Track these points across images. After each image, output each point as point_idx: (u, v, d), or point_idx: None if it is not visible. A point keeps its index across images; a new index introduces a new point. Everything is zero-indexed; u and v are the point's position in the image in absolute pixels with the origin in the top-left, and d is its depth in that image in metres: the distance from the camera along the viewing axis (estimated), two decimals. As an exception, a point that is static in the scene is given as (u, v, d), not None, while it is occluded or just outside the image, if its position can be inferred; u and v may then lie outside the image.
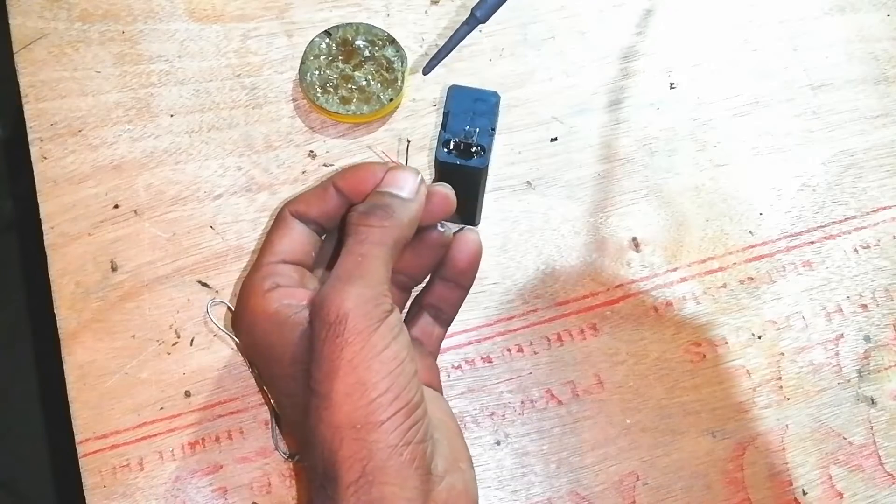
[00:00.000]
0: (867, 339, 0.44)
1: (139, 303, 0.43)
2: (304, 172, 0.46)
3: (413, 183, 0.35)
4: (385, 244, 0.33)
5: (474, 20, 0.36)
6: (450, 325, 0.41)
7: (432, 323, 0.40)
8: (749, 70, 0.49)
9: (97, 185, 0.45)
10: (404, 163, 0.44)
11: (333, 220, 0.37)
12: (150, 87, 0.47)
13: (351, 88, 0.45)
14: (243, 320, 0.35)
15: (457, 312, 0.40)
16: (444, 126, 0.38)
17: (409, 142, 0.37)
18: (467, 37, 0.38)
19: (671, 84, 0.48)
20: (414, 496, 0.30)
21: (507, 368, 0.43)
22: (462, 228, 0.39)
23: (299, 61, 0.46)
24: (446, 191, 0.37)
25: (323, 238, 0.38)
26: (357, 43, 0.46)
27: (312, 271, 0.38)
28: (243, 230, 0.44)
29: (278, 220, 0.37)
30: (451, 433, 0.36)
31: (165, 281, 0.43)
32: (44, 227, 0.44)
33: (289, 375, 0.33)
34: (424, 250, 0.38)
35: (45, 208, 0.44)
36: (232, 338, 0.42)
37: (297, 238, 0.36)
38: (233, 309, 0.43)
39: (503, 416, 0.42)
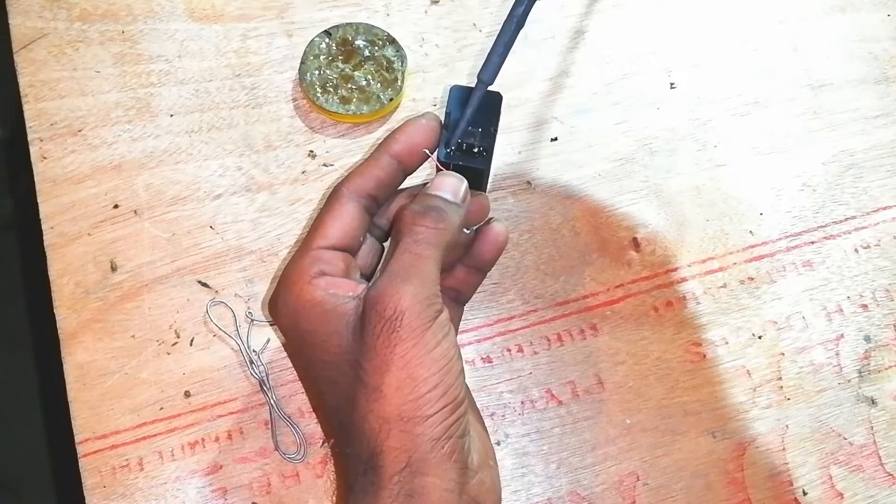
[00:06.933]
0: (867, 339, 0.44)
1: (139, 303, 0.43)
2: (303, 172, 0.46)
3: (462, 189, 0.36)
4: (439, 245, 0.34)
5: (482, 84, 0.36)
6: (465, 304, 0.41)
7: (452, 305, 0.40)
8: (749, 70, 0.49)
9: (97, 185, 0.45)
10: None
11: (389, 189, 0.37)
12: (149, 87, 0.47)
13: (351, 88, 0.45)
14: (286, 304, 0.35)
15: (474, 293, 0.41)
16: (445, 126, 0.37)
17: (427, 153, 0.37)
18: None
19: (671, 84, 0.48)
20: (451, 488, 0.31)
21: (506, 368, 0.43)
22: (489, 220, 0.39)
23: (299, 61, 0.46)
24: (483, 200, 0.38)
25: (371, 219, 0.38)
26: (357, 43, 0.46)
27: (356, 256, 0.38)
28: (243, 230, 0.44)
29: (332, 200, 0.36)
30: (481, 430, 0.37)
31: (165, 281, 0.43)
32: (43, 227, 0.44)
33: (331, 363, 0.33)
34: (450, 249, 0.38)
35: (45, 208, 0.44)
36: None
37: (349, 221, 0.36)
38: (220, 304, 0.43)
39: (503, 416, 0.42)
